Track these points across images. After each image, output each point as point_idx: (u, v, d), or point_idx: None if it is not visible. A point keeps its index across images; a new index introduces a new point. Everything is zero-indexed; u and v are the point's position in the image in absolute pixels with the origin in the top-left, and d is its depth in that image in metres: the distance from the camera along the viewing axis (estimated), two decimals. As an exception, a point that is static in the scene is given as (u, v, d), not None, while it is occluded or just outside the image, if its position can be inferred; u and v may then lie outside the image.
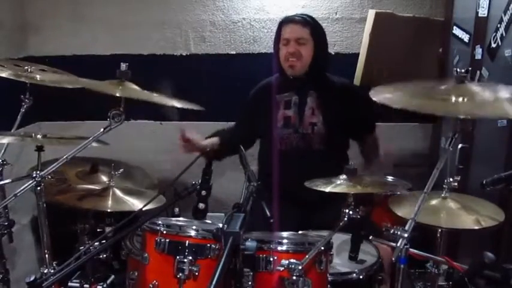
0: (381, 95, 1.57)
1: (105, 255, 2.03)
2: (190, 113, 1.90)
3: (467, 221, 1.74)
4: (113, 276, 1.95)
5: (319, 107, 2.37)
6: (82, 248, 2.03)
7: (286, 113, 2.40)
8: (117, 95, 1.62)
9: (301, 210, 2.32)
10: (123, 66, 1.76)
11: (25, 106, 2.32)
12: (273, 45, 2.45)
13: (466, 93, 1.48)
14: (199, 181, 1.58)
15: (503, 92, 1.50)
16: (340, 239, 1.97)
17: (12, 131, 2.28)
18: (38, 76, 1.68)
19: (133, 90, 1.76)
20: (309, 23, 2.35)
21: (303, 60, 2.33)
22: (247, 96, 2.55)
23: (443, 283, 1.87)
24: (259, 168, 2.52)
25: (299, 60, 2.32)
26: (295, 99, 2.39)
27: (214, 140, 2.44)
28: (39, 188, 1.73)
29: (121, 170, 2.27)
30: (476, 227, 1.71)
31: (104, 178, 2.31)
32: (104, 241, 1.77)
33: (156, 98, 1.84)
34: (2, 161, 2.19)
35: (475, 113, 1.49)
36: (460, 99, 1.46)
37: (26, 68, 2.21)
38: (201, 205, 1.56)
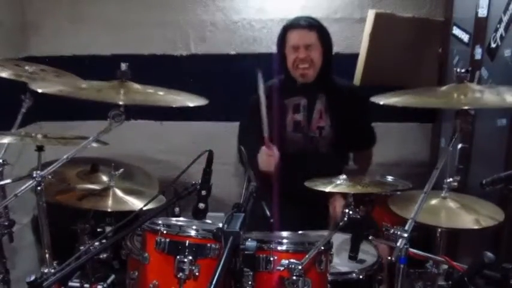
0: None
1: (105, 255, 2.03)
2: (190, 112, 1.90)
3: (467, 221, 1.74)
4: (113, 276, 1.96)
5: (327, 111, 2.36)
6: (82, 247, 2.04)
7: (296, 117, 2.38)
8: (120, 103, 1.61)
9: (302, 210, 2.32)
10: (123, 66, 1.76)
11: (25, 106, 2.32)
12: (276, 49, 2.42)
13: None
14: (199, 181, 1.58)
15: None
16: (340, 239, 1.97)
17: (12, 131, 2.28)
18: (39, 90, 1.69)
19: (136, 90, 1.76)
20: (315, 26, 2.33)
21: (315, 66, 2.31)
22: (247, 97, 2.53)
23: (443, 283, 1.87)
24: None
25: (311, 68, 2.30)
26: (304, 103, 2.39)
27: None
28: (39, 188, 1.73)
29: (121, 170, 2.27)
30: (476, 227, 1.71)
31: (104, 178, 2.31)
32: (104, 241, 1.77)
33: (158, 97, 1.84)
34: (2, 161, 2.19)
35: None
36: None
37: (26, 68, 2.21)
38: (201, 205, 1.57)
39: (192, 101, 1.83)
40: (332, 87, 2.40)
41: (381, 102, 1.69)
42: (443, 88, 1.69)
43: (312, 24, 2.33)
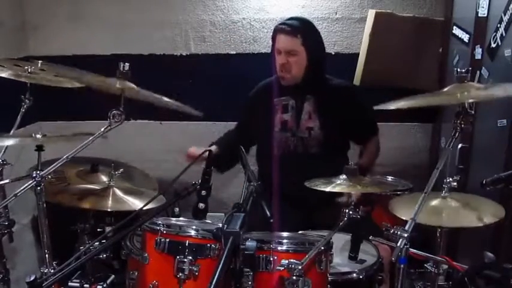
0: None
1: (105, 255, 2.03)
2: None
3: (470, 219, 1.73)
4: (113, 276, 1.95)
5: (316, 112, 2.36)
6: (82, 247, 2.04)
7: (284, 117, 2.39)
8: (117, 86, 1.62)
9: (301, 210, 2.32)
10: (123, 66, 1.76)
11: (25, 106, 2.32)
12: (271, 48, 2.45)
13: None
14: (199, 181, 1.58)
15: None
16: (340, 239, 1.97)
17: (12, 130, 2.28)
18: (40, 74, 1.70)
19: (133, 89, 1.77)
20: (300, 31, 2.27)
21: (293, 72, 2.30)
22: (247, 96, 2.55)
23: (443, 283, 1.87)
24: (258, 170, 2.52)
25: (288, 73, 2.31)
26: (292, 103, 2.39)
27: (213, 148, 2.38)
28: (39, 188, 1.73)
29: (121, 170, 2.27)
30: (480, 225, 1.70)
31: (104, 178, 2.31)
32: (104, 241, 1.77)
33: (156, 97, 1.84)
34: (2, 161, 2.18)
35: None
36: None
37: (26, 68, 2.21)
38: (201, 205, 1.57)
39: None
40: (321, 88, 2.38)
41: (392, 107, 1.69)
42: (446, 89, 1.69)
43: (297, 29, 2.27)
